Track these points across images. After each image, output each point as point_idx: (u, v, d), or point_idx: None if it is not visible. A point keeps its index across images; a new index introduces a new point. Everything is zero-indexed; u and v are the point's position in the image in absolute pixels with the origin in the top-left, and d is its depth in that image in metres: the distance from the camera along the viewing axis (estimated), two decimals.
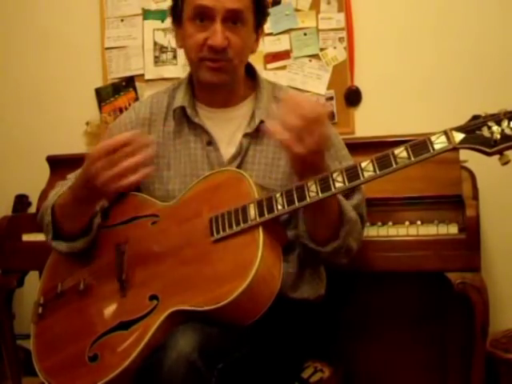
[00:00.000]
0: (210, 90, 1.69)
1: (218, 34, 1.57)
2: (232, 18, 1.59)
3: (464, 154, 2.03)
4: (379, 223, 2.15)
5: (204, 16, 1.59)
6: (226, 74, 1.63)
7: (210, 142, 1.69)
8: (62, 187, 1.71)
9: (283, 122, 1.35)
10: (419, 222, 2.12)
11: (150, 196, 1.70)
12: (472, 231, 1.98)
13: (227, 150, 1.68)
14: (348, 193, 1.65)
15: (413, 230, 2.06)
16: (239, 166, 1.65)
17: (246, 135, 1.68)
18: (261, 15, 1.67)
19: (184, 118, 1.72)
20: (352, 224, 1.56)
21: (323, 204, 1.45)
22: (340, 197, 1.54)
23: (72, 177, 1.77)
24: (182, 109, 1.71)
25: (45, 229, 1.68)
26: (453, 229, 2.03)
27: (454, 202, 2.14)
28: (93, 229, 1.64)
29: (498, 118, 1.30)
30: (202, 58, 1.61)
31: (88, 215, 1.61)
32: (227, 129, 1.70)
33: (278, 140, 1.37)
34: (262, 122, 1.67)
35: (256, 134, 1.68)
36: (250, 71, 1.76)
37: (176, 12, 1.67)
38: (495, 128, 1.29)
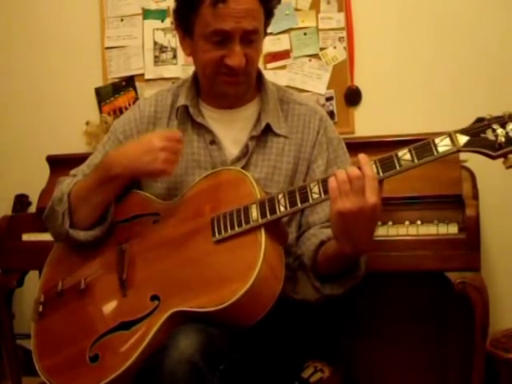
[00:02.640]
0: (218, 95, 1.68)
1: (237, 56, 1.56)
2: (249, 37, 1.57)
3: (464, 154, 2.03)
4: (379, 223, 2.15)
5: (221, 37, 1.56)
6: (244, 86, 1.64)
7: (213, 141, 1.68)
8: (73, 179, 1.71)
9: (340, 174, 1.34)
10: (419, 222, 2.12)
11: (151, 195, 1.69)
12: (472, 231, 1.98)
13: (230, 150, 1.68)
14: None
15: (413, 230, 2.06)
16: (243, 168, 1.63)
17: (252, 138, 1.67)
18: (269, 20, 1.66)
19: (187, 117, 1.71)
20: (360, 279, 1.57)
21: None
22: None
23: (75, 172, 1.77)
24: (185, 108, 1.71)
25: (59, 219, 1.65)
26: (453, 228, 2.03)
27: (454, 201, 2.14)
28: (108, 216, 1.64)
29: (502, 121, 1.29)
30: (218, 73, 1.60)
31: (107, 201, 1.62)
32: (231, 130, 1.70)
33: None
34: (267, 124, 1.67)
35: (261, 137, 1.68)
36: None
37: (184, 22, 1.63)
38: (500, 131, 1.28)
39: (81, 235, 1.64)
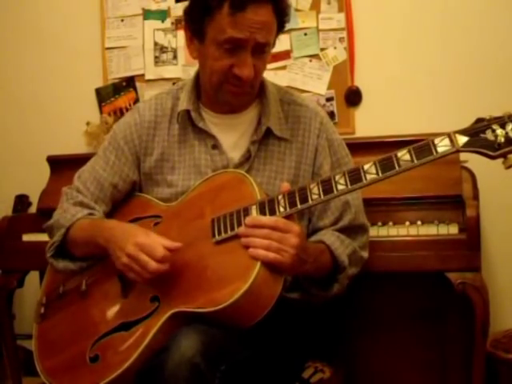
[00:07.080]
0: (221, 102, 1.67)
1: (248, 67, 1.54)
2: (261, 49, 1.56)
3: (464, 155, 2.03)
4: (379, 223, 2.15)
5: (234, 45, 1.54)
6: (248, 96, 1.64)
7: (215, 146, 1.68)
8: (82, 211, 1.70)
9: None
10: (419, 222, 2.13)
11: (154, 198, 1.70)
12: (472, 231, 1.98)
13: (232, 155, 1.68)
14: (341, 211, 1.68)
15: (413, 230, 2.06)
16: (246, 172, 1.62)
17: (253, 142, 1.67)
18: (279, 33, 1.64)
19: (188, 122, 1.71)
20: (347, 266, 1.61)
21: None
22: (331, 243, 1.59)
23: (77, 181, 1.76)
24: (187, 112, 1.70)
25: (49, 243, 1.70)
26: (453, 229, 2.03)
27: (455, 202, 2.15)
28: (93, 258, 1.66)
29: (502, 121, 1.29)
30: (225, 82, 1.59)
31: (93, 253, 1.64)
32: (232, 134, 1.69)
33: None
34: (268, 128, 1.66)
35: (262, 141, 1.68)
36: None
37: (196, 25, 1.59)
38: (499, 131, 1.29)
39: (60, 265, 1.68)
